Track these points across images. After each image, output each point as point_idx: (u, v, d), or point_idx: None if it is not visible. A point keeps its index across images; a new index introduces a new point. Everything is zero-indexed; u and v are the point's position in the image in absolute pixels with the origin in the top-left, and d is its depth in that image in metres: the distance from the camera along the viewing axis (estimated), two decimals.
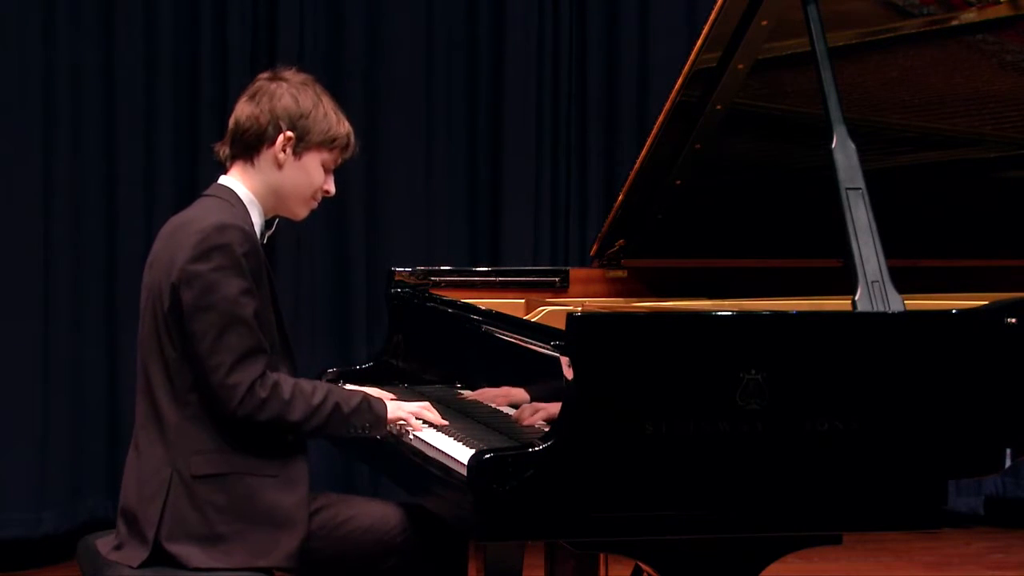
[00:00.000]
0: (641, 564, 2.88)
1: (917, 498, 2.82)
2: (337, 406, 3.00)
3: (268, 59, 5.51)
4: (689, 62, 3.43)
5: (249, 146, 3.07)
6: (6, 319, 5.28)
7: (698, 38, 3.39)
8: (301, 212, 3.14)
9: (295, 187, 3.09)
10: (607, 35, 5.98)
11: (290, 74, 3.12)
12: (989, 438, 2.89)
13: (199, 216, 3.00)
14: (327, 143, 3.08)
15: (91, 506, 5.39)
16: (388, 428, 3.09)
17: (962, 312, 2.91)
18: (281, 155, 3.05)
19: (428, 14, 5.82)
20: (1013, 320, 2.94)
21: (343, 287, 5.77)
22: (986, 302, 3.04)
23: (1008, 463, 2.92)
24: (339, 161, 3.13)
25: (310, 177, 3.09)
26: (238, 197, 3.06)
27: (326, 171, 3.11)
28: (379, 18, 5.75)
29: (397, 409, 3.11)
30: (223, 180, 3.10)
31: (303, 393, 2.97)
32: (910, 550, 5.70)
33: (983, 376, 2.87)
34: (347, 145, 3.12)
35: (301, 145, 3.06)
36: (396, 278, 3.83)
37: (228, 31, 5.55)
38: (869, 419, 2.78)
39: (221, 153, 3.12)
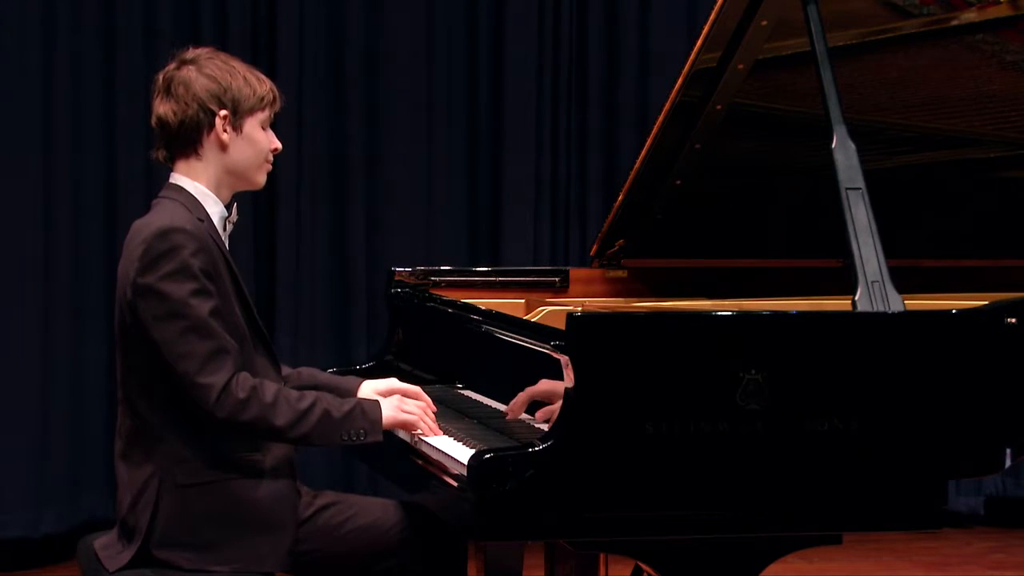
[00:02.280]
0: (641, 564, 2.88)
1: (917, 498, 2.82)
2: (326, 412, 2.94)
3: (268, 59, 5.52)
4: (689, 62, 3.43)
5: (188, 140, 3.01)
6: (6, 319, 5.28)
7: (698, 38, 3.39)
8: (260, 179, 3.09)
9: (248, 159, 3.04)
10: (607, 35, 5.98)
11: (191, 54, 3.05)
12: (989, 438, 2.89)
13: (147, 223, 2.96)
14: (258, 105, 3.03)
15: (91, 506, 5.39)
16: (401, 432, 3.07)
17: (962, 312, 2.91)
18: (224, 135, 3.00)
19: (428, 14, 5.82)
20: (1013, 320, 2.94)
21: (343, 287, 5.77)
22: (986, 302, 3.04)
23: (1008, 463, 2.92)
24: (272, 117, 3.08)
25: (257, 144, 3.04)
26: (189, 194, 3.01)
27: (265, 130, 3.06)
28: (379, 18, 5.75)
29: (395, 412, 3.04)
30: (173, 179, 3.05)
31: (288, 398, 2.92)
32: (910, 550, 5.70)
33: (983, 376, 2.87)
34: (275, 98, 3.07)
35: (237, 118, 3.01)
36: (396, 278, 3.83)
37: (228, 31, 5.55)
38: (869, 419, 2.78)
39: (160, 157, 3.07)
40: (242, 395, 2.88)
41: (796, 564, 3.23)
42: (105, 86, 5.43)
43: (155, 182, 5.40)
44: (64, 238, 5.37)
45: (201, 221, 2.97)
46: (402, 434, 3.12)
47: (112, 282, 5.29)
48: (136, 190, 5.42)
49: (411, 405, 3.08)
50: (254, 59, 5.48)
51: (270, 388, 2.92)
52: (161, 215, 2.96)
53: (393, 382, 3.21)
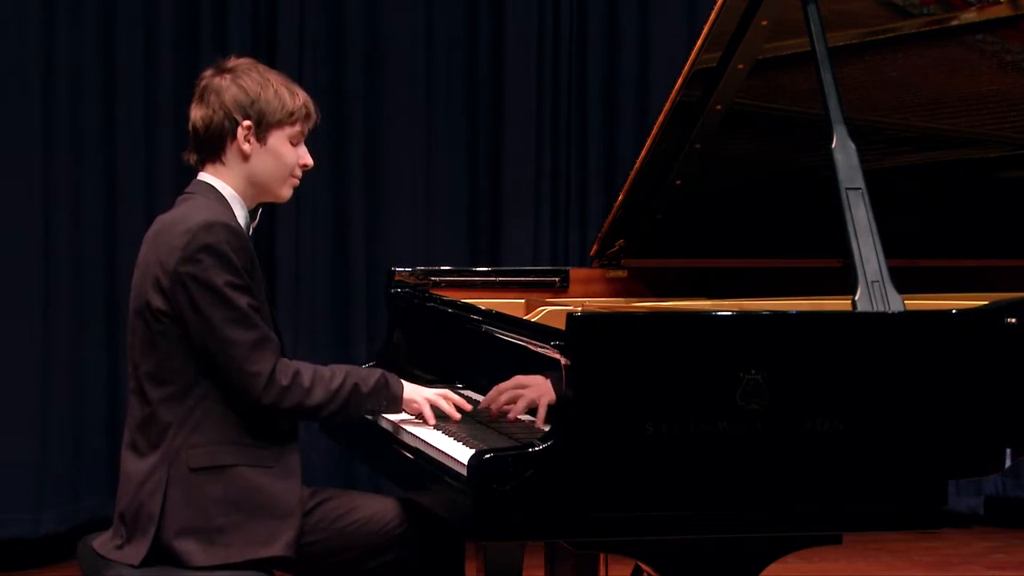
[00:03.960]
0: (641, 564, 2.89)
1: (917, 498, 2.82)
2: (356, 387, 3.05)
3: (268, 59, 5.52)
4: (689, 62, 3.43)
5: (213, 146, 3.06)
6: (6, 319, 5.28)
7: (698, 38, 3.39)
8: (284, 193, 3.13)
9: (269, 172, 3.08)
10: (607, 35, 5.98)
11: (232, 63, 3.09)
12: (989, 438, 2.89)
13: (185, 216, 2.99)
14: (286, 119, 3.06)
15: (91, 506, 5.38)
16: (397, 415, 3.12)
17: (962, 312, 2.91)
18: (246, 145, 3.04)
19: (428, 14, 5.82)
20: (1013, 320, 2.94)
21: (343, 287, 5.77)
22: (986, 302, 3.04)
23: (1008, 463, 2.93)
24: (306, 132, 3.11)
25: (281, 158, 3.08)
26: (219, 193, 3.05)
27: (296, 145, 3.09)
28: (379, 18, 5.75)
29: (414, 392, 3.14)
30: (202, 177, 3.09)
31: (323, 379, 3.02)
32: (910, 550, 5.70)
33: (983, 376, 2.87)
34: (307, 114, 3.10)
35: (261, 130, 3.04)
36: (396, 278, 3.83)
37: (228, 31, 5.55)
38: (869, 419, 2.78)
39: (190, 160, 3.12)
40: (285, 382, 2.96)
41: (796, 564, 3.23)
42: (105, 86, 5.43)
43: (155, 182, 5.42)
44: (64, 238, 5.36)
45: None
46: (404, 436, 3.13)
47: (112, 282, 5.36)
48: (136, 190, 5.42)
49: (430, 392, 3.15)
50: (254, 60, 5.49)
51: (307, 371, 3.01)
52: (200, 210, 3.00)
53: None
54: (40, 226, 5.31)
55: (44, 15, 5.31)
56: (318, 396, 3.00)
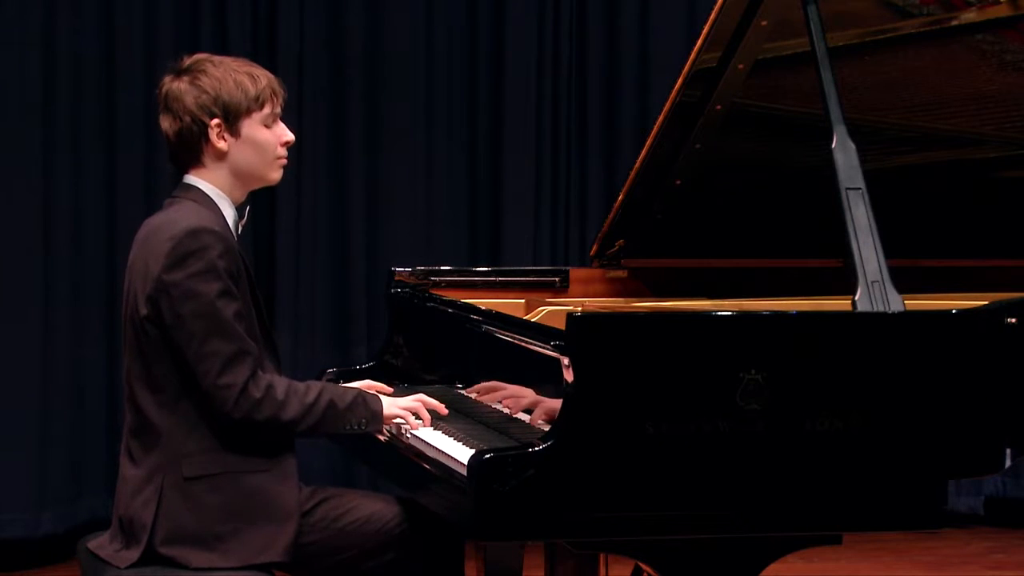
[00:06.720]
0: (641, 564, 2.89)
1: (917, 498, 2.82)
2: (331, 403, 3.01)
3: (268, 59, 5.52)
4: (689, 62, 3.43)
5: (189, 152, 3.03)
6: (6, 319, 5.28)
7: (698, 38, 3.40)
8: (274, 176, 3.10)
9: (252, 161, 3.04)
10: (607, 35, 5.98)
11: (186, 63, 3.04)
12: (989, 438, 2.89)
13: (171, 221, 2.97)
14: (253, 105, 3.02)
15: (91, 506, 5.38)
16: (385, 426, 3.10)
17: (962, 312, 2.91)
18: (221, 143, 3.01)
19: (428, 14, 5.82)
20: (1013, 320, 2.94)
21: (343, 287, 5.77)
22: (986, 302, 3.04)
23: (1008, 463, 2.93)
24: (278, 110, 3.07)
25: (260, 144, 3.04)
26: (205, 195, 3.03)
27: (272, 126, 3.06)
28: (379, 18, 5.75)
29: (392, 406, 3.11)
30: (187, 179, 3.06)
31: (297, 392, 2.97)
32: (910, 550, 5.70)
33: (983, 376, 2.87)
34: (274, 92, 3.06)
35: (231, 123, 3.01)
36: (396, 278, 3.83)
37: (228, 31, 5.55)
38: (869, 419, 2.78)
39: (173, 168, 3.09)
40: (258, 395, 2.92)
41: (796, 564, 3.23)
42: (105, 86, 5.43)
43: (155, 182, 5.41)
44: (64, 238, 5.36)
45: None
46: (404, 436, 3.13)
47: (112, 282, 5.36)
48: (135, 190, 5.42)
49: (407, 401, 3.13)
50: (253, 59, 5.47)
51: (281, 385, 2.96)
52: (186, 214, 2.97)
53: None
54: (40, 226, 5.31)
55: (44, 14, 5.31)
56: (292, 409, 2.95)
